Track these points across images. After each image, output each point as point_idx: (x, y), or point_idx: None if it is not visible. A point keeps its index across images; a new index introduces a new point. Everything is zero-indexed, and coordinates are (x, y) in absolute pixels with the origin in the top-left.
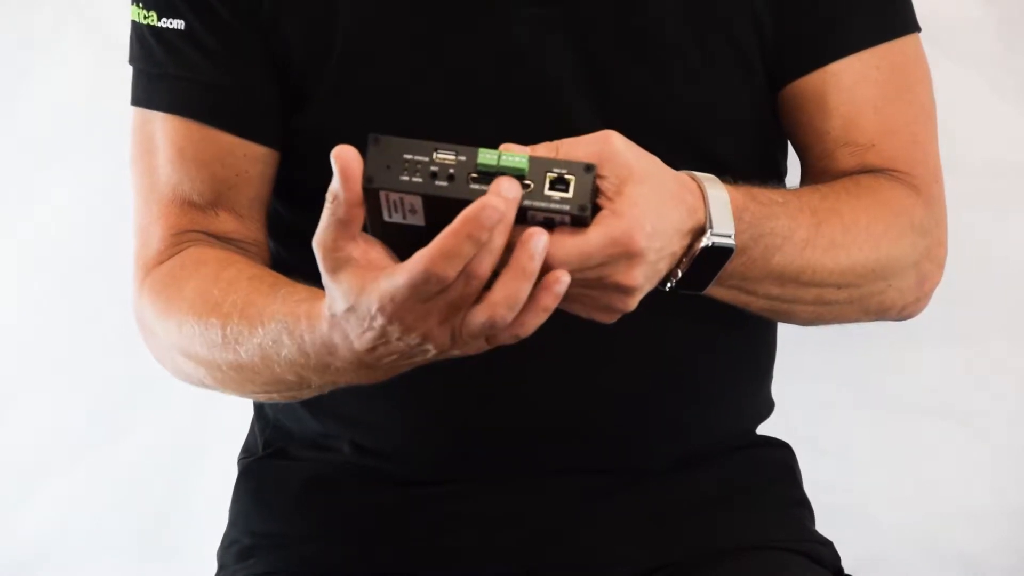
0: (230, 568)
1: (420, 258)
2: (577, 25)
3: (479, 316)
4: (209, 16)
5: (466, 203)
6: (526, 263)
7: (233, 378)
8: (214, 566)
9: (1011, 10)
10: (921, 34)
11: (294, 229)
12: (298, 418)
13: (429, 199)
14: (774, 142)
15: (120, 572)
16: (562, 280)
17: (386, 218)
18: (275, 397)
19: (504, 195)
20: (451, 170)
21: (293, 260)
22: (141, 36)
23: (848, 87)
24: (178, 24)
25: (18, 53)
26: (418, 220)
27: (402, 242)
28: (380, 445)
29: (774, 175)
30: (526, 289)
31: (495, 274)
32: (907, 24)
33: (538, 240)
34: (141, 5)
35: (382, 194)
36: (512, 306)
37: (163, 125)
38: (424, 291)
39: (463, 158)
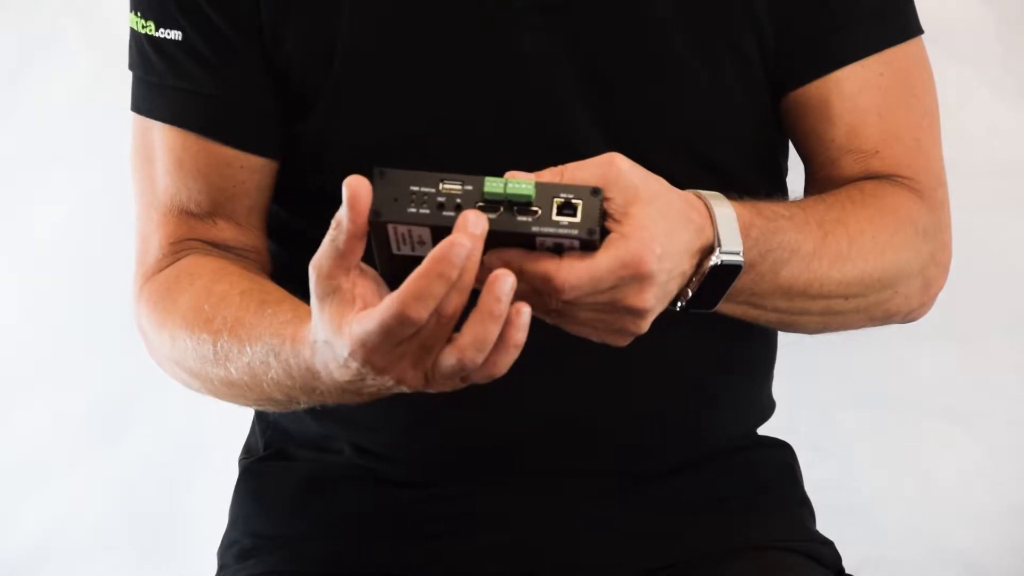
0: (230, 568)
1: (392, 302)
2: (580, 33)
3: (449, 359)
4: (206, 27)
5: None
6: (493, 305)
7: (225, 392)
8: (214, 566)
9: (1011, 10)
10: (923, 36)
11: (298, 234)
12: (298, 419)
13: (438, 230)
14: (775, 147)
15: (120, 572)
16: (523, 312)
17: (395, 251)
18: (269, 409)
19: (471, 231)
20: (458, 200)
21: (297, 265)
22: (140, 45)
23: (852, 94)
24: (176, 35)
25: (18, 53)
26: (427, 251)
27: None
28: (380, 446)
29: (775, 179)
30: (495, 331)
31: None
32: (910, 28)
33: (504, 281)
34: (139, 14)
35: (390, 227)
36: (481, 348)
37: (161, 135)
38: (397, 334)
39: (469, 187)
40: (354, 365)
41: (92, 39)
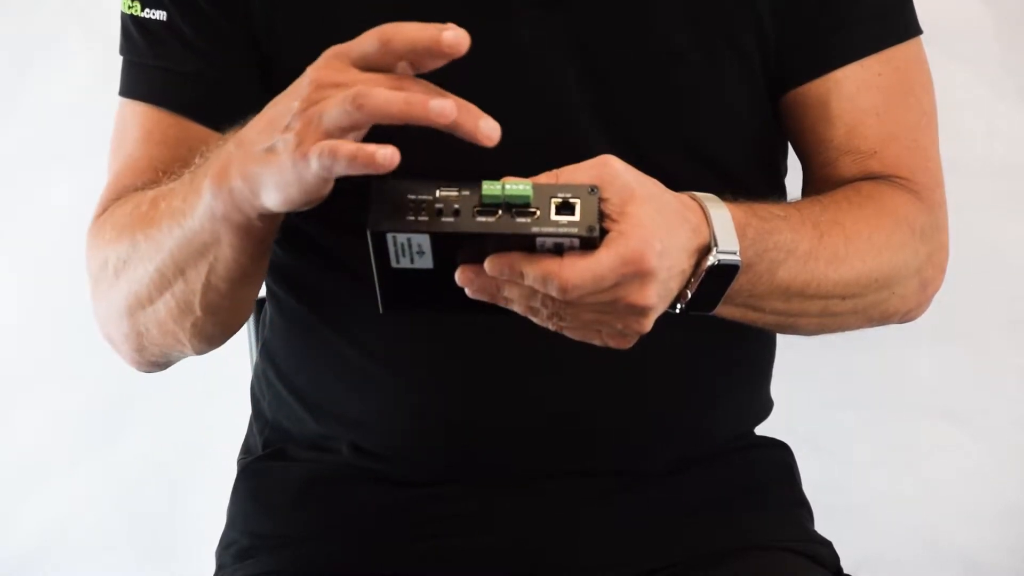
0: (229, 568)
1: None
2: (579, 28)
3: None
4: (190, 9)
5: (475, 236)
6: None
7: (143, 262)
8: (213, 566)
9: (1011, 10)
10: (922, 36)
11: (291, 229)
12: (298, 419)
13: (437, 237)
14: (774, 146)
15: (120, 572)
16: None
17: (393, 264)
18: (178, 286)
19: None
20: (456, 205)
21: (289, 259)
22: (126, 26)
23: (851, 94)
24: (160, 15)
25: (18, 53)
26: (426, 263)
27: (411, 290)
28: (379, 446)
29: (774, 178)
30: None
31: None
32: (909, 28)
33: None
34: None
35: (389, 237)
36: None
37: (134, 111)
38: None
39: (467, 192)
40: (305, 81)
41: (92, 39)
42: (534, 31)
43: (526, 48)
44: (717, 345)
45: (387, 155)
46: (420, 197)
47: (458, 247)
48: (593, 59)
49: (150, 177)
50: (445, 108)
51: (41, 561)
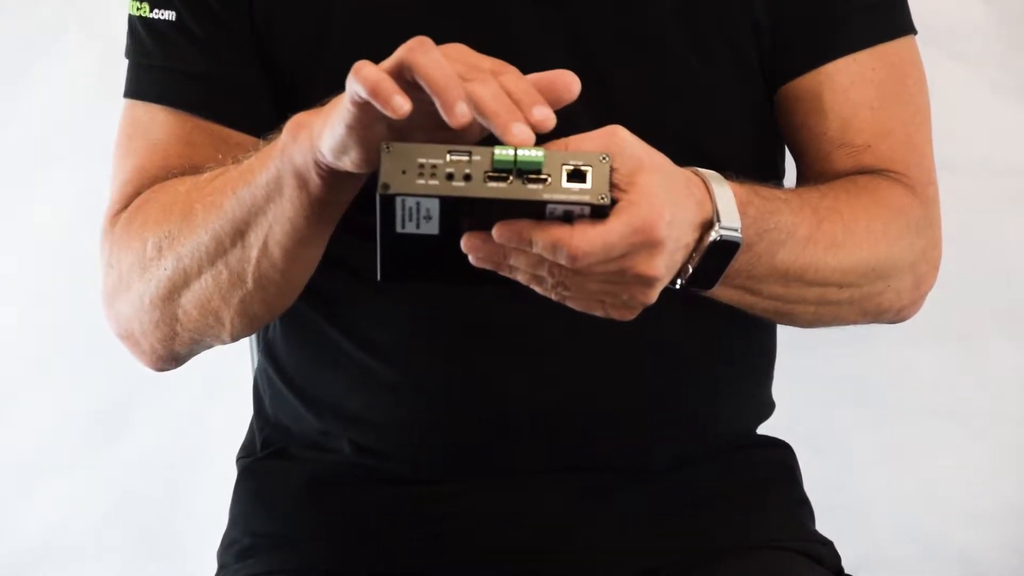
0: (230, 568)
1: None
2: (575, 25)
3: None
4: (199, 7)
5: (485, 202)
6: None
7: (196, 231)
8: (214, 566)
9: (1011, 10)
10: (921, 34)
11: None
12: (297, 416)
13: (447, 201)
14: (772, 143)
15: (120, 572)
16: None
17: (399, 229)
18: (233, 253)
19: None
20: (467, 170)
21: None
22: (134, 28)
23: (844, 88)
24: (169, 15)
25: (18, 53)
26: (432, 228)
27: (412, 257)
28: (380, 444)
29: (772, 175)
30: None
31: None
32: (903, 26)
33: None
34: None
35: (398, 201)
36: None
37: (147, 111)
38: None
39: (478, 157)
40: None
41: (92, 39)
42: (531, 29)
43: (524, 48)
44: (719, 345)
45: (399, 102)
46: (431, 161)
47: (466, 213)
48: (591, 58)
49: (175, 171)
50: (461, 112)
51: (41, 561)
